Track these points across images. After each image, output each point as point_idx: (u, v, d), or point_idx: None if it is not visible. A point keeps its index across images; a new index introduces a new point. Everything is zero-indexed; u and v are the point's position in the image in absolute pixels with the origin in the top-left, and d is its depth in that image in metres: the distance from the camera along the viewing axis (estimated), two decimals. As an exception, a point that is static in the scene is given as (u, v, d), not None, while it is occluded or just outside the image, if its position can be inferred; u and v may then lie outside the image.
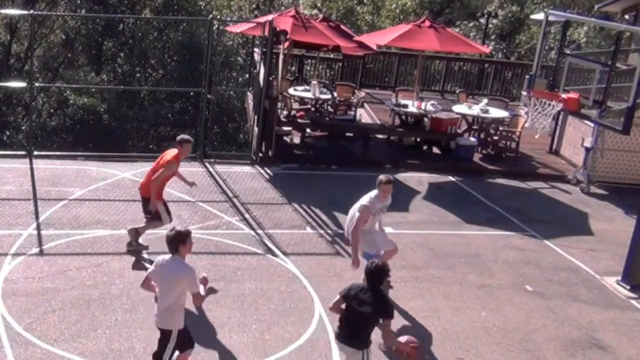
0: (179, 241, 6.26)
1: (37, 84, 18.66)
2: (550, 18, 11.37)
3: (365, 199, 8.46)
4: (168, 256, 6.33)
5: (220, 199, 11.86)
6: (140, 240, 9.52)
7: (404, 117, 15.79)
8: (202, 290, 6.42)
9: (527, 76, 13.01)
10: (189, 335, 6.57)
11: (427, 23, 14.87)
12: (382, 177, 8.42)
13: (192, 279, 6.26)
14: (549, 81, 10.99)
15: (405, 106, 15.62)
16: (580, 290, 9.77)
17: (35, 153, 13.10)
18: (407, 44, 15.29)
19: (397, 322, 8.40)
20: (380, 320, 6.44)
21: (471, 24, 29.44)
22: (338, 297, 6.58)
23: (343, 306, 6.56)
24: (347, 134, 15.68)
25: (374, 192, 8.46)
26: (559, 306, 9.23)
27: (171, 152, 9.48)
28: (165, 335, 6.39)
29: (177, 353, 6.52)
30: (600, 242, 11.54)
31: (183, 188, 12.03)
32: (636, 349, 8.40)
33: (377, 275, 6.44)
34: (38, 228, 9.98)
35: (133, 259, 9.35)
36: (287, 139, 15.07)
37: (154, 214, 9.33)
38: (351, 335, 6.49)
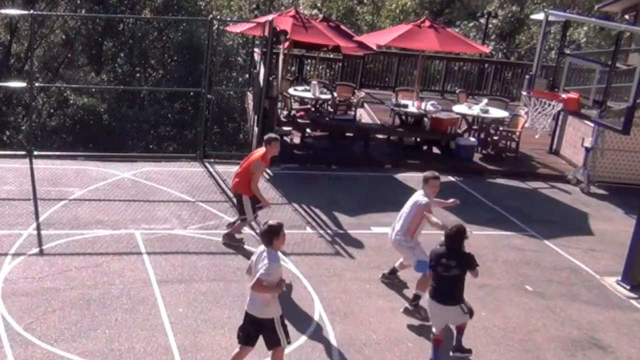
0: (272, 234, 6.61)
1: (37, 84, 18.65)
2: (550, 18, 11.38)
3: (421, 198, 8.47)
4: (263, 248, 6.68)
5: (220, 199, 11.86)
6: (238, 235, 10.02)
7: (404, 117, 15.79)
8: (284, 284, 6.68)
9: (527, 76, 13.00)
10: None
11: (427, 23, 14.88)
12: (428, 173, 8.58)
13: (269, 268, 6.48)
14: (549, 81, 10.99)
15: (405, 106, 15.62)
16: (580, 290, 9.77)
17: (35, 153, 13.09)
18: (407, 44, 15.29)
19: (398, 321, 8.42)
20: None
21: (471, 24, 29.42)
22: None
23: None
24: (347, 134, 15.68)
25: (421, 191, 8.53)
26: (559, 306, 9.23)
27: (258, 152, 9.68)
28: (267, 324, 6.71)
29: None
30: (600, 242, 11.54)
31: (183, 188, 12.05)
32: (636, 349, 8.40)
33: (459, 237, 7.41)
34: (38, 228, 9.98)
35: (133, 258, 9.36)
36: (287, 139, 15.06)
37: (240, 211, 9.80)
38: (446, 297, 7.45)
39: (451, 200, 8.91)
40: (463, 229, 7.52)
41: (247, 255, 9.77)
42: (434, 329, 7.64)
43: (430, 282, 7.79)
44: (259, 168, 9.51)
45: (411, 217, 8.52)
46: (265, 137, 9.70)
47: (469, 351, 7.82)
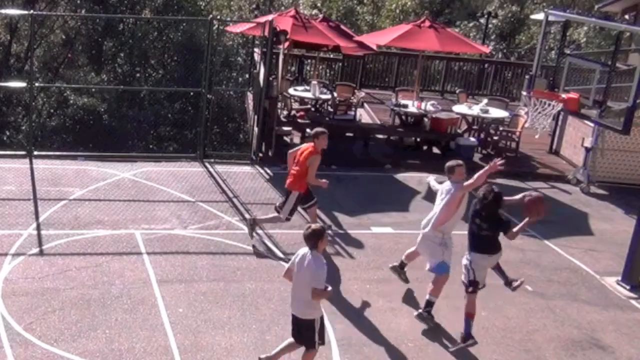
0: (317, 237, 6.72)
1: (37, 84, 18.65)
2: (550, 18, 11.37)
3: (454, 185, 8.31)
4: (306, 250, 6.77)
5: (220, 199, 11.86)
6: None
7: (404, 117, 15.79)
8: (328, 288, 6.76)
9: (527, 76, 13.00)
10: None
11: (427, 23, 14.88)
12: (451, 162, 8.48)
13: (320, 275, 6.65)
14: (549, 81, 10.98)
15: (405, 106, 15.62)
16: (580, 290, 9.77)
17: (35, 153, 13.10)
18: (407, 44, 15.29)
19: (398, 321, 8.41)
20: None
21: (471, 24, 29.42)
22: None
23: None
24: (347, 134, 15.67)
25: (448, 182, 8.43)
26: (559, 306, 9.23)
27: (307, 148, 9.82)
28: (308, 324, 6.84)
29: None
30: (600, 242, 11.54)
31: (183, 188, 12.05)
32: (636, 349, 8.40)
33: (497, 201, 7.84)
34: (38, 228, 9.98)
35: (133, 258, 9.36)
36: (287, 139, 15.06)
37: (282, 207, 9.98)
38: (486, 248, 8.05)
39: (498, 161, 8.30)
40: (499, 197, 7.85)
41: (247, 254, 9.79)
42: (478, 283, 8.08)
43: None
44: (315, 161, 9.71)
45: (445, 205, 8.30)
46: (313, 132, 9.99)
47: (474, 342, 7.93)
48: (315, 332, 6.88)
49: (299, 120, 15.27)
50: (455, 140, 15.24)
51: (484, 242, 8.01)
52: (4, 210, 10.51)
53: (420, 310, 8.39)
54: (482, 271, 8.10)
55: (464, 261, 8.14)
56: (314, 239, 6.71)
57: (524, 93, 12.14)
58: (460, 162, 8.55)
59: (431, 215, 8.50)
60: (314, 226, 6.83)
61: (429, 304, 8.32)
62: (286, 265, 7.06)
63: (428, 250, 8.56)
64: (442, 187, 8.61)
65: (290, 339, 7.11)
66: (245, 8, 29.21)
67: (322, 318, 6.93)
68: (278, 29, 13.45)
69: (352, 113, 16.00)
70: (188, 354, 7.40)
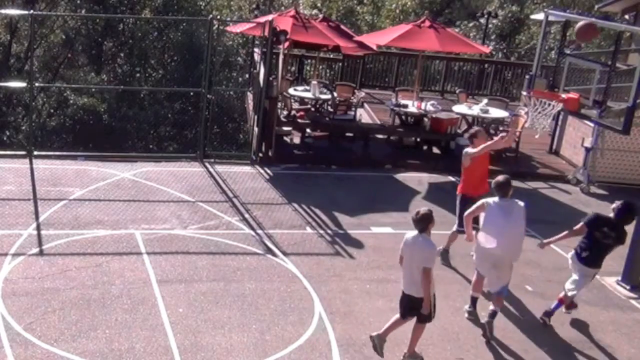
0: (427, 221, 7.26)
1: (37, 84, 18.67)
2: (550, 18, 11.35)
3: (515, 205, 8.38)
4: (415, 233, 7.30)
5: (220, 199, 11.86)
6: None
7: (404, 117, 15.78)
8: (428, 267, 7.24)
9: (527, 76, 13.01)
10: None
11: (427, 23, 14.87)
12: (502, 179, 8.42)
13: (434, 255, 7.36)
14: (549, 81, 10.97)
15: (405, 106, 15.61)
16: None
17: (35, 153, 13.10)
18: (407, 44, 15.29)
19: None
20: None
21: (471, 24, 29.44)
22: (581, 224, 8.55)
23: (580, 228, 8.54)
24: (347, 134, 15.67)
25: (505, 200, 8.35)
26: (559, 306, 9.22)
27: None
28: (414, 301, 7.36)
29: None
30: (600, 242, 11.51)
31: (183, 188, 12.05)
32: (636, 349, 8.40)
33: (630, 213, 8.39)
34: (38, 228, 9.98)
35: (133, 258, 9.36)
36: (287, 139, 15.06)
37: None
38: (592, 260, 8.41)
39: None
40: (636, 210, 8.45)
41: (247, 254, 9.79)
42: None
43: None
44: (478, 154, 9.83)
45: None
46: (467, 134, 10.40)
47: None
48: (419, 309, 7.40)
49: (299, 120, 15.27)
50: (455, 140, 15.24)
51: (600, 251, 8.43)
52: (4, 210, 10.51)
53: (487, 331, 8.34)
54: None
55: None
56: (424, 222, 7.24)
57: (524, 93, 12.15)
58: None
59: (505, 239, 8.22)
60: (422, 210, 7.29)
61: (494, 316, 8.31)
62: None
63: (506, 273, 8.40)
64: (500, 205, 8.30)
65: (396, 316, 7.62)
66: (245, 8, 29.24)
67: (434, 295, 7.45)
68: (278, 29, 13.45)
69: (352, 113, 16.00)
70: (188, 354, 7.40)
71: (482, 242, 8.28)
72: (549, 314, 8.65)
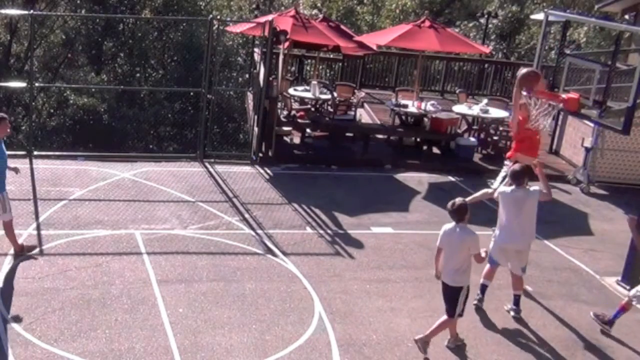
0: (463, 211, 7.53)
1: (37, 84, 18.65)
2: (550, 18, 11.35)
3: (529, 192, 8.62)
4: (452, 225, 7.59)
5: (220, 199, 11.86)
6: None
7: (404, 117, 15.79)
8: (482, 252, 7.59)
9: (527, 76, 12.97)
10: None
11: (427, 23, 14.88)
12: (517, 167, 8.88)
13: (477, 242, 7.54)
14: (549, 81, 10.97)
15: (405, 106, 15.62)
16: (580, 290, 9.77)
17: (35, 153, 13.10)
18: (407, 44, 15.29)
19: (398, 321, 8.41)
20: None
21: (471, 24, 29.45)
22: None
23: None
24: (347, 134, 15.68)
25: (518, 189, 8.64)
26: (559, 306, 9.22)
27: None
28: (455, 291, 7.63)
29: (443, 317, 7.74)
30: (600, 242, 11.54)
31: (183, 188, 12.06)
32: (636, 349, 8.40)
33: None
34: (38, 228, 9.99)
35: (133, 258, 9.36)
36: (287, 139, 15.07)
37: None
38: None
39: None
40: None
41: (247, 254, 9.79)
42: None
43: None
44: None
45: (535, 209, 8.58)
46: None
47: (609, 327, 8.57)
48: (460, 301, 7.63)
49: (299, 120, 15.27)
50: (455, 140, 15.25)
51: None
52: (4, 210, 10.51)
53: (511, 309, 8.81)
54: None
55: None
56: (461, 213, 7.52)
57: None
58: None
59: (515, 227, 8.54)
60: (458, 201, 7.57)
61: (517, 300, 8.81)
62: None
63: (525, 255, 8.83)
64: (512, 194, 8.62)
65: (443, 317, 7.78)
66: (245, 8, 29.24)
67: (468, 288, 7.69)
68: (278, 29, 13.45)
69: (352, 113, 16.01)
70: (188, 354, 7.40)
71: (498, 236, 8.75)
72: (610, 322, 8.66)
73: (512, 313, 8.81)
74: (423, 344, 7.70)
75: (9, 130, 9.07)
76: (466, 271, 7.61)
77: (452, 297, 7.67)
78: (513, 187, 8.63)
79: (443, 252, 7.70)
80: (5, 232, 9.17)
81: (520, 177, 8.57)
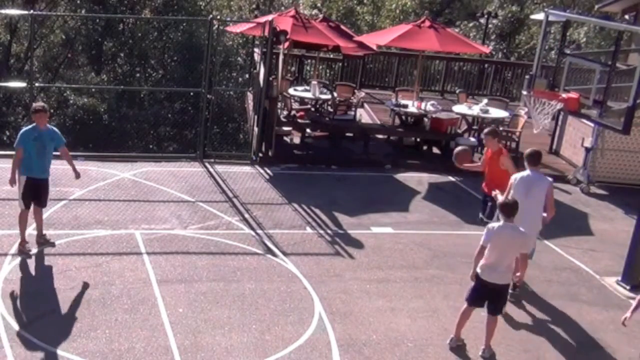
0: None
1: (37, 84, 18.65)
2: (550, 18, 11.35)
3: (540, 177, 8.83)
4: (501, 223, 7.66)
5: (220, 199, 11.86)
6: None
7: (404, 117, 15.79)
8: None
9: (527, 76, 12.99)
10: None
11: (427, 23, 14.88)
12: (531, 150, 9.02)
13: (528, 241, 7.97)
14: (549, 81, 10.97)
15: (405, 106, 15.62)
16: (580, 291, 9.77)
17: (35, 153, 13.07)
18: (407, 44, 15.29)
19: (398, 321, 8.41)
20: None
21: (471, 24, 29.45)
22: None
23: None
24: (347, 134, 15.68)
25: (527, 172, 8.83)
26: (559, 306, 9.22)
27: (490, 152, 9.93)
28: (505, 289, 7.85)
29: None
30: (600, 242, 11.54)
31: (183, 188, 12.06)
32: (636, 349, 8.40)
33: None
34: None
35: (133, 258, 9.36)
36: (287, 139, 15.07)
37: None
38: None
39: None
40: None
41: (247, 254, 9.79)
42: None
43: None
44: (508, 161, 9.78)
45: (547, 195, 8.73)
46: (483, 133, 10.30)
47: None
48: (506, 297, 7.96)
49: (299, 120, 15.27)
50: (455, 140, 15.22)
51: None
52: (4, 210, 10.52)
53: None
54: None
55: None
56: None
57: (524, 93, 12.14)
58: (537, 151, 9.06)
59: (526, 214, 8.40)
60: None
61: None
62: None
63: (533, 239, 8.93)
64: (524, 179, 8.80)
65: (488, 318, 7.85)
66: (245, 8, 29.25)
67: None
68: (278, 29, 13.45)
69: (352, 113, 16.01)
70: (188, 354, 7.40)
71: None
72: None
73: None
74: (485, 352, 7.88)
75: (47, 120, 9.92)
76: (512, 269, 7.87)
77: (502, 295, 7.84)
78: (528, 171, 8.88)
79: (491, 251, 7.60)
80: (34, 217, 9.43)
81: (534, 159, 8.87)
